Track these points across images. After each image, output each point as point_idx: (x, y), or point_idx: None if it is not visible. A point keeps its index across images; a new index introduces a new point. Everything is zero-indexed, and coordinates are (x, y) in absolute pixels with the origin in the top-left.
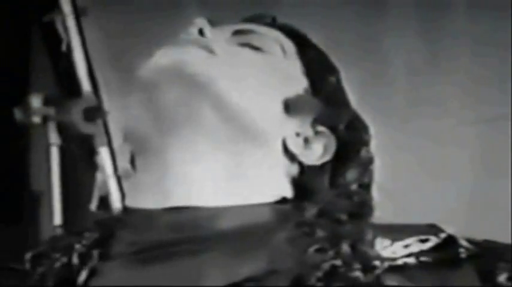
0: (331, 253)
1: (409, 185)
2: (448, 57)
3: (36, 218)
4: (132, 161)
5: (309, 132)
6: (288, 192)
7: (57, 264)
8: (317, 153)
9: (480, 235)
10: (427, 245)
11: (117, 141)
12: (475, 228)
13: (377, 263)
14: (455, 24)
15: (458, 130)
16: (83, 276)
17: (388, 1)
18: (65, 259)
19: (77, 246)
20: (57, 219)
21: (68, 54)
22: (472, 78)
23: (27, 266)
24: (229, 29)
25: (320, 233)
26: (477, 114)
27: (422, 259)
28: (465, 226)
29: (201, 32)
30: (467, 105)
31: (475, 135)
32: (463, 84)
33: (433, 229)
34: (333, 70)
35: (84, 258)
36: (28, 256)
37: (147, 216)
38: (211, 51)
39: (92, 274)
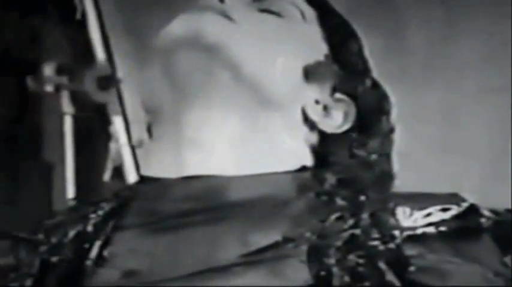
0: (350, 222)
1: (429, 154)
2: (466, 26)
3: (49, 189)
4: (149, 130)
5: (329, 99)
6: (307, 160)
7: (72, 233)
8: (337, 121)
9: (501, 205)
10: (448, 214)
11: (131, 111)
12: (495, 197)
13: (396, 232)
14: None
15: (478, 98)
16: (97, 245)
17: None
18: (80, 228)
19: (92, 216)
20: (71, 191)
21: (82, 23)
22: (491, 46)
23: (42, 236)
24: None
25: (340, 202)
26: (496, 82)
27: (443, 228)
28: (486, 195)
29: None
30: (486, 73)
31: (494, 103)
32: (482, 52)
33: (455, 198)
34: (354, 37)
35: (99, 228)
36: (44, 225)
37: (163, 185)
38: (230, 17)
39: (106, 243)
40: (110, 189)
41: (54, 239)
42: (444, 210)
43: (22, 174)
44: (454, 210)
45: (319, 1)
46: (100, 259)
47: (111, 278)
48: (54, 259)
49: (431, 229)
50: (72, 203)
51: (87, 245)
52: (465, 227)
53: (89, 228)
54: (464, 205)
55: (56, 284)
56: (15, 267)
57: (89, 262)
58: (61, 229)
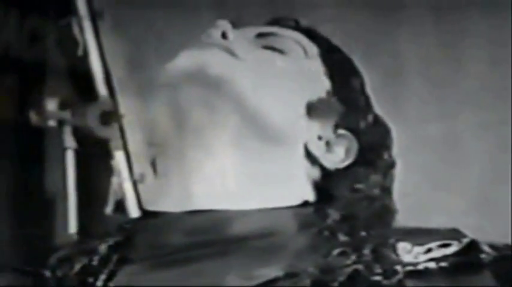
0: (353, 257)
1: (430, 188)
2: (465, 57)
3: (50, 222)
4: (153, 164)
5: (331, 135)
6: (309, 195)
7: (77, 267)
8: (339, 156)
9: (499, 239)
10: (449, 250)
11: (133, 146)
12: (494, 232)
13: (398, 267)
14: (470, 21)
15: (477, 131)
16: (102, 279)
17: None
18: (85, 262)
19: (97, 249)
20: (72, 227)
21: (84, 58)
22: (490, 78)
23: (48, 270)
24: (252, 31)
25: (342, 237)
26: (495, 116)
27: (443, 264)
28: (485, 230)
29: (223, 35)
30: (485, 106)
31: (494, 137)
32: (481, 83)
33: (455, 234)
34: (356, 74)
35: (104, 261)
36: (50, 259)
37: (168, 219)
38: (233, 53)
39: (111, 276)
40: (113, 223)
41: (60, 273)
42: (445, 245)
43: (24, 208)
44: (455, 246)
45: (321, 38)
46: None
47: None
48: None
49: (432, 265)
50: (76, 236)
51: (92, 279)
52: (466, 263)
53: (94, 262)
54: (465, 240)
55: None
56: None
57: None
58: (67, 263)
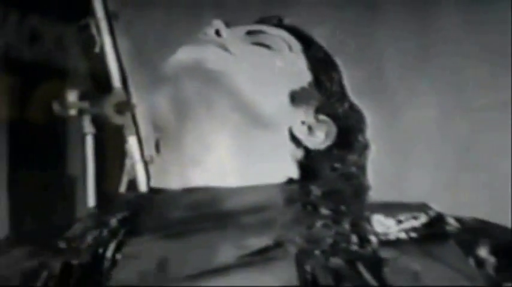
0: (333, 229)
1: (400, 167)
2: (438, 53)
3: (72, 200)
4: (157, 146)
5: (313, 120)
6: (294, 173)
7: (89, 239)
8: (320, 139)
9: (465, 213)
10: (417, 222)
11: (143, 131)
12: (460, 206)
13: (372, 237)
14: (444, 21)
15: (443, 120)
16: (111, 248)
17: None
18: (96, 234)
19: (109, 223)
20: (91, 201)
21: (101, 55)
22: (460, 70)
23: (63, 241)
24: (243, 29)
25: (324, 211)
26: (460, 106)
27: (413, 234)
28: (451, 205)
29: (217, 32)
30: (451, 98)
31: (458, 126)
32: (450, 78)
33: (423, 207)
34: (334, 67)
35: (113, 233)
36: (68, 233)
37: (169, 196)
38: (226, 49)
39: (120, 247)
40: (126, 198)
41: (74, 245)
42: (414, 218)
43: (49, 186)
44: (423, 218)
45: (305, 36)
46: (113, 261)
47: (124, 277)
48: (74, 261)
49: (402, 235)
50: (91, 210)
51: (101, 250)
52: (433, 234)
53: (104, 234)
54: (432, 213)
55: (76, 284)
56: (40, 269)
57: (104, 264)
58: (80, 235)
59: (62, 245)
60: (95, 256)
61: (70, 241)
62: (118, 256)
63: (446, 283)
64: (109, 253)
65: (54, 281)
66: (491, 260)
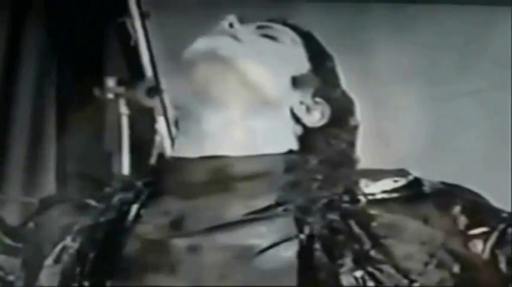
0: (328, 190)
1: (384, 143)
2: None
3: (108, 172)
4: (176, 123)
5: (310, 101)
6: (294, 145)
7: (116, 199)
8: (316, 117)
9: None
10: (397, 184)
11: (171, 112)
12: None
13: (361, 197)
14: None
15: (424, 103)
16: (135, 207)
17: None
18: (122, 195)
19: (135, 185)
20: (126, 170)
21: (135, 48)
22: (440, 59)
23: (93, 202)
24: (253, 24)
25: (320, 176)
26: (434, 92)
27: (394, 195)
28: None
29: (230, 25)
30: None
31: (439, 109)
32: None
33: (403, 172)
34: (330, 59)
35: (137, 194)
36: (98, 194)
37: (188, 163)
38: (237, 38)
39: (143, 206)
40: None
41: (103, 204)
42: (395, 181)
43: (91, 158)
44: (402, 181)
45: (305, 33)
46: (136, 218)
47: (144, 231)
48: (102, 219)
49: (385, 195)
50: (120, 176)
51: (126, 208)
52: (412, 194)
53: (130, 195)
54: (410, 177)
55: (103, 238)
56: (72, 225)
57: (127, 221)
58: (109, 196)
59: (93, 203)
60: (120, 214)
61: (99, 201)
62: (141, 213)
63: (424, 237)
64: (133, 211)
65: (85, 235)
66: (462, 217)
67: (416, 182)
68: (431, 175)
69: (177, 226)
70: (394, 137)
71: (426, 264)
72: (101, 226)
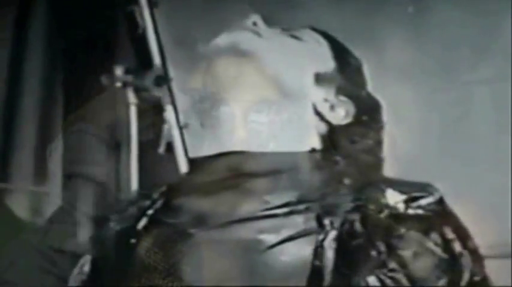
0: (353, 195)
1: (412, 145)
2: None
3: (116, 163)
4: (186, 125)
5: (334, 99)
6: (317, 144)
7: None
8: (340, 115)
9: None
10: (423, 202)
11: (179, 101)
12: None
13: (385, 208)
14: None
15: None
16: (158, 204)
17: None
18: (141, 204)
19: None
20: (134, 165)
21: (144, 36)
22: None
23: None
24: (278, 27)
25: (347, 181)
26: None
27: (418, 211)
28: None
29: (254, 23)
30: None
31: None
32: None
33: (429, 188)
34: (355, 59)
35: (152, 203)
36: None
37: (207, 161)
38: (260, 35)
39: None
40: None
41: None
42: (422, 197)
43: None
44: (429, 199)
45: (330, 36)
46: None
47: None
48: (117, 227)
49: (410, 211)
50: (135, 194)
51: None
52: (435, 213)
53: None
54: (436, 196)
55: (114, 238)
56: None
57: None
58: (124, 209)
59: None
60: (135, 222)
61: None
62: (157, 217)
63: (440, 253)
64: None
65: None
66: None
67: (441, 201)
68: (442, 166)
69: (198, 223)
70: (424, 138)
71: (438, 278)
72: (115, 233)
